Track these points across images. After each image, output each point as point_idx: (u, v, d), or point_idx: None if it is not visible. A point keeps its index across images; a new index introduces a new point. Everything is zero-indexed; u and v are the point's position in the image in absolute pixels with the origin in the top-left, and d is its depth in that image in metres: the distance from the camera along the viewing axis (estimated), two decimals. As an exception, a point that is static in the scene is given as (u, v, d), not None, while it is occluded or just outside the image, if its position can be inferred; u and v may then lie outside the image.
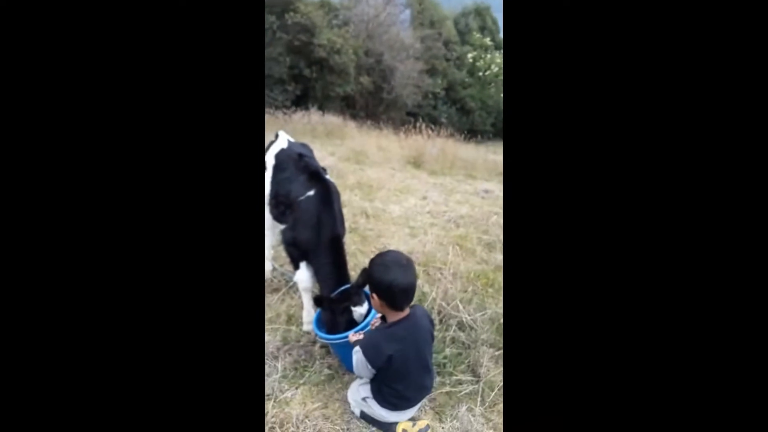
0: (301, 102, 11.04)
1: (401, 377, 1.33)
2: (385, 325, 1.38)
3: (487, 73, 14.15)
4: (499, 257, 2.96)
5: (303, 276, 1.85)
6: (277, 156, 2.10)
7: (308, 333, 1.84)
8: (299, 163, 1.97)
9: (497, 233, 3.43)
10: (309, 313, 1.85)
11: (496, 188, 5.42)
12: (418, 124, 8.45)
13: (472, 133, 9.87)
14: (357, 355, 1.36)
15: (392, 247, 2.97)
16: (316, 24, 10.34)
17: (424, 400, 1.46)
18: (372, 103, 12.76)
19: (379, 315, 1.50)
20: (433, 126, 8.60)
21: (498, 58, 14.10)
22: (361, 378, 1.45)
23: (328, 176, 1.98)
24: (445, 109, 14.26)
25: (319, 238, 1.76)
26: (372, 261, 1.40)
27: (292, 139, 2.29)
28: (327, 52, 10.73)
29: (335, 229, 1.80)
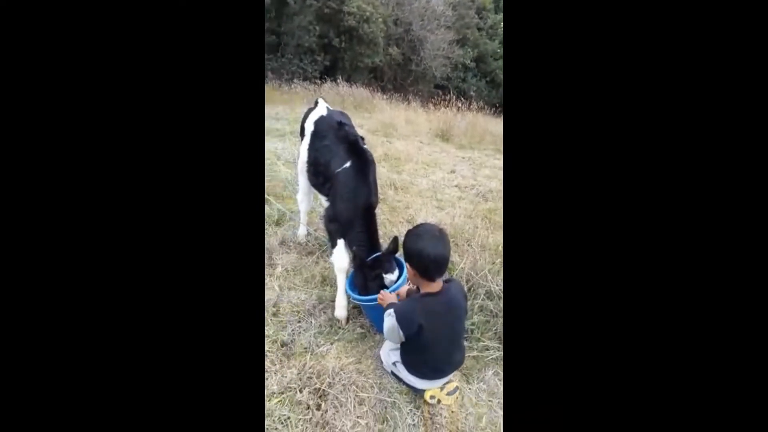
0: (329, 73, 10.91)
1: (430, 349, 1.36)
2: (419, 295, 1.41)
3: (522, 43, 13.40)
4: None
5: (340, 255, 1.82)
6: (317, 123, 2.12)
7: (339, 321, 1.80)
8: (339, 132, 1.98)
9: (527, 209, 3.38)
10: (342, 297, 1.80)
11: (527, 164, 5.28)
12: (446, 97, 8.23)
13: (501, 107, 9.50)
14: (389, 319, 1.39)
15: (420, 220, 3.00)
16: (345, -10, 10.03)
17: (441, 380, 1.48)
18: (400, 75, 12.43)
19: (414, 286, 1.54)
20: (462, 99, 8.35)
21: (535, 26, 13.31)
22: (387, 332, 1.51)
23: (365, 146, 1.99)
24: (475, 82, 13.70)
25: (356, 209, 1.79)
26: (407, 233, 1.43)
27: (330, 107, 2.30)
28: (357, 20, 10.43)
29: (369, 198, 1.82)
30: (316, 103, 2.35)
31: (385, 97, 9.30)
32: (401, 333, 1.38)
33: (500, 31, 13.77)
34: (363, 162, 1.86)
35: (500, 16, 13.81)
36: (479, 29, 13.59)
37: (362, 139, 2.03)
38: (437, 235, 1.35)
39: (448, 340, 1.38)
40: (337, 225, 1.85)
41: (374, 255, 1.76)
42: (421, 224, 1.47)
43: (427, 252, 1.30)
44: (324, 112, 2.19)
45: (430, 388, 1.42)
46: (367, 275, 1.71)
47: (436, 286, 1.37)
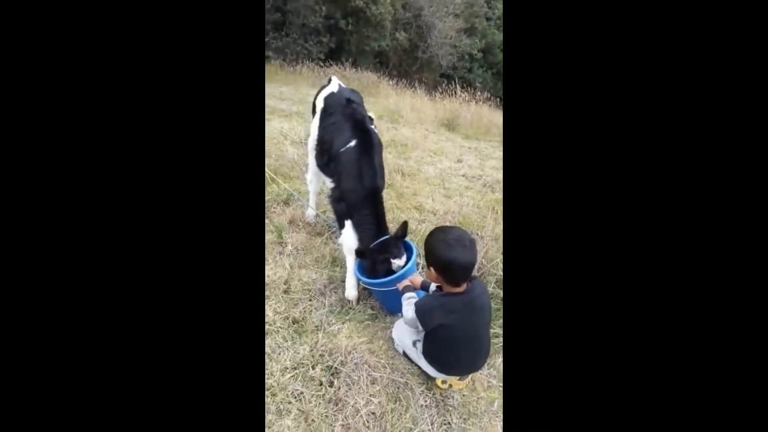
0: (334, 55, 10.70)
1: (449, 348, 1.33)
2: (441, 294, 1.36)
3: (531, 35, 13.24)
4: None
5: (348, 237, 1.78)
6: (326, 99, 2.08)
7: (350, 302, 1.79)
8: (346, 109, 1.94)
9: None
10: (352, 277, 1.78)
11: (532, 158, 5.27)
12: (451, 87, 8.11)
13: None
14: (409, 310, 1.37)
15: (428, 208, 2.98)
16: (353, -30, 9.78)
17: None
18: (406, 62, 12.24)
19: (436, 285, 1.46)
20: (468, 89, 8.25)
21: (544, 19, 13.14)
22: (405, 320, 1.50)
23: (373, 126, 1.94)
24: (481, 73, 13.54)
25: (362, 191, 1.75)
26: (433, 235, 1.35)
27: (343, 85, 2.25)
28: (364, 1, 10.19)
29: (375, 180, 1.78)
30: (330, 80, 2.30)
31: (391, 82, 9.18)
32: (419, 326, 1.37)
33: (509, 22, 13.58)
34: (368, 142, 1.81)
35: (510, 7, 13.60)
36: (488, 19, 13.38)
37: (371, 119, 1.98)
38: (467, 245, 1.29)
39: (470, 340, 1.34)
40: (344, 206, 1.82)
41: (381, 239, 1.74)
42: (450, 229, 1.38)
43: (458, 262, 1.26)
44: (335, 89, 2.14)
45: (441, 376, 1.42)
46: (375, 260, 1.69)
47: (460, 288, 1.33)
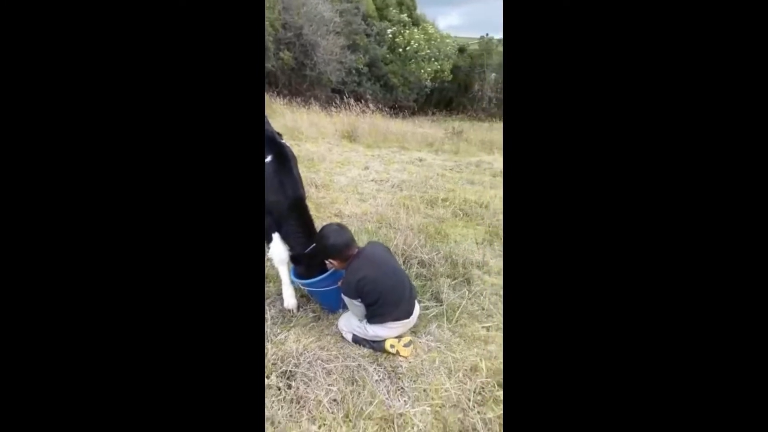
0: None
1: (378, 291, 1.58)
2: (346, 266, 1.66)
3: (407, 49, 14.49)
4: (440, 211, 3.32)
5: (278, 249, 1.84)
6: None
7: (290, 311, 1.87)
8: None
9: (434, 193, 3.81)
10: (289, 287, 1.86)
11: (428, 157, 5.85)
12: (345, 100, 8.50)
13: (396, 109, 10.18)
14: (344, 298, 1.64)
15: (347, 213, 3.16)
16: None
17: (406, 325, 1.70)
18: (295, 80, 12.30)
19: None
20: (361, 102, 8.73)
21: (416, 34, 14.52)
22: (352, 310, 1.67)
23: (283, 141, 2.03)
24: (369, 86, 14.32)
25: (286, 202, 1.82)
26: (318, 238, 1.70)
27: None
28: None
29: (297, 191, 1.87)
30: None
31: (283, 102, 9.15)
32: (355, 302, 1.56)
33: (387, 37, 14.63)
34: (283, 155, 1.91)
35: (385, 24, 14.69)
36: (367, 35, 14.24)
37: (279, 134, 2.08)
38: (336, 228, 1.68)
39: (388, 276, 1.63)
40: (270, 219, 1.87)
41: (312, 246, 1.84)
42: (324, 228, 1.72)
43: (338, 243, 1.63)
44: None
45: (390, 336, 1.62)
46: (311, 265, 1.80)
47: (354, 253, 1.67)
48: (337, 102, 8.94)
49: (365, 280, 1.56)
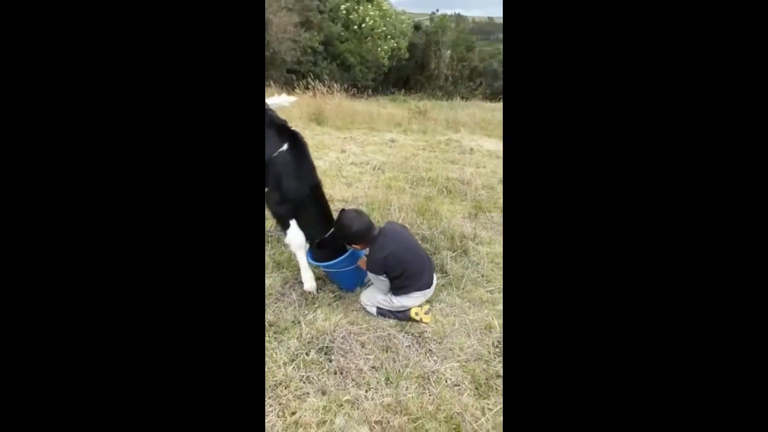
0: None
1: (402, 265, 1.73)
2: (371, 246, 1.78)
3: (362, 26, 14.20)
4: (425, 190, 3.50)
5: (295, 234, 1.89)
6: None
7: (311, 293, 1.94)
8: (264, 118, 2.00)
9: (416, 173, 3.96)
10: (307, 271, 1.93)
11: (399, 137, 5.96)
12: (305, 82, 8.28)
13: (355, 89, 10.10)
14: (369, 275, 1.78)
15: (338, 197, 3.23)
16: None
17: (426, 294, 1.86)
18: (248, 61, 11.68)
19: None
20: (320, 84, 8.54)
21: (371, 10, 14.24)
22: (376, 286, 1.81)
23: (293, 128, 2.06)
24: (326, 65, 13.96)
25: (304, 189, 1.88)
26: (337, 225, 1.78)
27: None
28: None
29: (314, 178, 1.94)
30: None
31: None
32: (381, 277, 1.70)
33: (341, 14, 14.20)
34: (300, 143, 1.96)
35: (337, 0, 14.20)
36: (320, 12, 13.75)
37: (286, 122, 2.10)
38: (355, 216, 1.77)
39: (410, 251, 1.79)
40: (287, 207, 1.91)
41: (330, 232, 1.91)
42: (341, 212, 1.81)
43: (361, 229, 1.74)
44: None
45: (414, 305, 1.79)
46: (335, 246, 1.88)
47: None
48: (297, 83, 8.68)
49: (391, 256, 1.70)
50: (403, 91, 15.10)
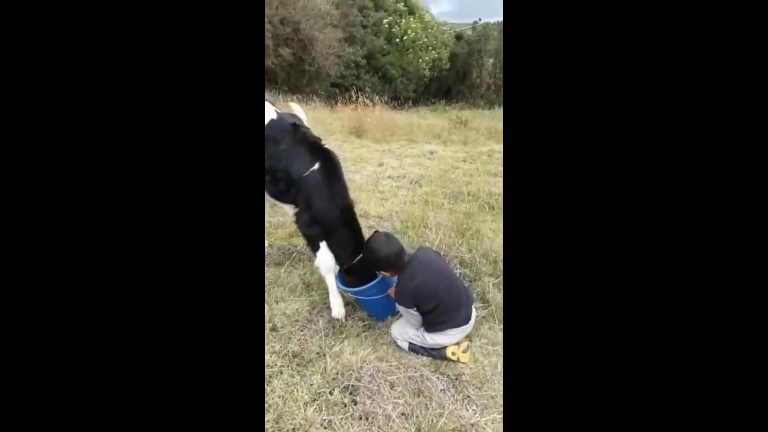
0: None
1: (436, 296, 1.55)
2: (398, 276, 1.61)
3: (404, 38, 14.27)
4: (465, 206, 3.27)
5: (326, 257, 1.80)
6: (268, 128, 2.04)
7: (339, 320, 1.82)
8: (296, 135, 1.94)
9: (455, 187, 3.75)
10: (337, 296, 1.82)
11: (438, 149, 5.78)
12: (347, 95, 8.37)
13: (396, 101, 10.07)
14: (399, 308, 1.59)
15: (373, 213, 3.11)
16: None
17: (464, 330, 1.66)
18: (294, 76, 12.14)
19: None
20: (362, 96, 8.61)
21: (413, 22, 14.29)
22: (407, 320, 1.63)
23: (326, 146, 1.98)
24: (368, 78, 14.16)
25: (336, 210, 1.78)
26: (365, 251, 1.65)
27: (279, 110, 2.22)
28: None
29: (346, 199, 1.83)
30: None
31: (285, 100, 9.03)
32: (412, 311, 1.52)
33: (383, 27, 14.41)
34: (332, 162, 1.87)
35: (381, 14, 14.44)
36: (364, 27, 14.03)
37: (320, 140, 2.03)
38: (384, 240, 1.62)
39: (444, 279, 1.60)
40: (318, 228, 1.82)
41: (359, 257, 1.77)
42: (371, 237, 1.67)
43: (386, 254, 1.58)
44: (273, 116, 2.11)
45: (451, 343, 1.59)
46: (365, 273, 1.75)
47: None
48: (342, 97, 8.81)
49: (422, 287, 1.52)
50: (444, 101, 14.91)
